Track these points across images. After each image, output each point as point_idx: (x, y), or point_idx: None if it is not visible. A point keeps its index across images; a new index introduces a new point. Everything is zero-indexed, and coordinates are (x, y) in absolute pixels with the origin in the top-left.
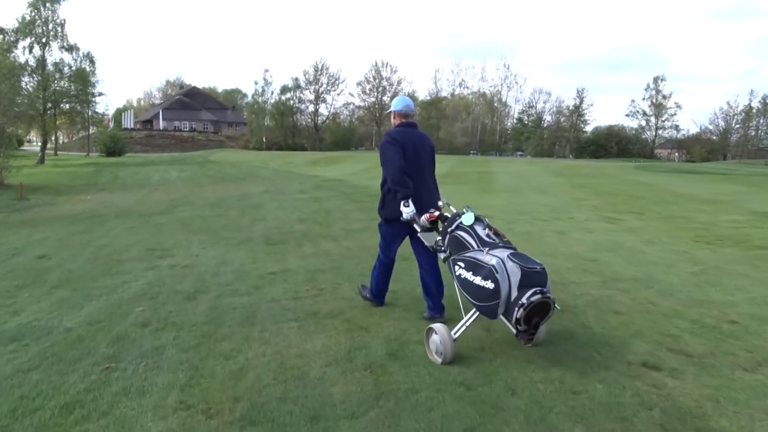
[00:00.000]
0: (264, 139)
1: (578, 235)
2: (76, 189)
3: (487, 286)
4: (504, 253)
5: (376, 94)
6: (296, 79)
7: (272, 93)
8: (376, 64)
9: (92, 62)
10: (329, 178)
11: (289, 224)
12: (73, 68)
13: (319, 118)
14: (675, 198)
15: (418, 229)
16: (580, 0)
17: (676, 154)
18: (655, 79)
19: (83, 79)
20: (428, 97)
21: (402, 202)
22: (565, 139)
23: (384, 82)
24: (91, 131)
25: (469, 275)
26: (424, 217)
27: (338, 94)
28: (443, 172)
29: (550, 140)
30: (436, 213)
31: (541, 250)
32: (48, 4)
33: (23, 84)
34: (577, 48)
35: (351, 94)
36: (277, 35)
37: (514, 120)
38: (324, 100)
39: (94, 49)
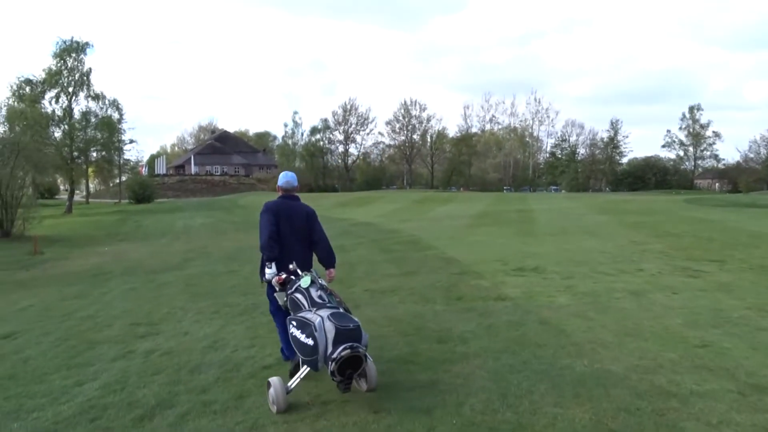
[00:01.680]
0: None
1: (660, 297)
2: (96, 240)
3: (308, 343)
4: (325, 313)
5: (405, 132)
6: (325, 120)
7: (302, 134)
8: (405, 102)
9: (118, 110)
10: (358, 221)
11: None
12: (100, 117)
13: (349, 158)
14: (752, 239)
15: (277, 288)
16: (609, 32)
17: (717, 184)
18: (691, 109)
19: (110, 127)
20: (458, 134)
21: (266, 264)
22: (600, 171)
23: (413, 120)
24: (123, 178)
25: (297, 333)
26: (274, 280)
27: (368, 134)
28: (478, 212)
29: (584, 173)
30: (283, 276)
31: (621, 326)
32: (74, 54)
33: (50, 133)
34: (608, 80)
35: (380, 134)
36: (307, 77)
37: (547, 154)
38: (354, 140)
39: (126, 97)
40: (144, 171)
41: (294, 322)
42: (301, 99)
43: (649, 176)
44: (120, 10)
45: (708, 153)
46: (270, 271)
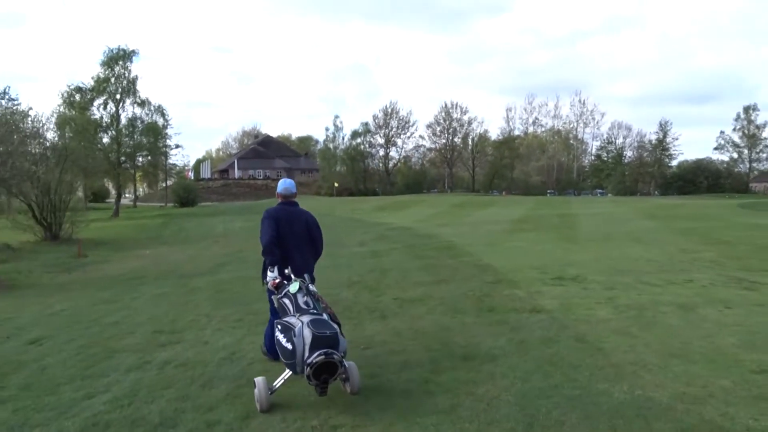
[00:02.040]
0: (336, 184)
1: (711, 312)
2: (139, 243)
3: (288, 347)
4: (306, 319)
5: (446, 135)
6: (366, 123)
7: (343, 138)
8: (446, 105)
9: (163, 116)
10: (395, 226)
11: (335, 290)
12: (145, 122)
13: (389, 161)
14: None
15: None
16: (658, 30)
17: None
18: (746, 109)
19: (155, 133)
20: (501, 137)
21: (269, 268)
22: (648, 175)
23: (454, 123)
24: (170, 182)
25: (280, 336)
26: (270, 284)
27: (408, 137)
28: (518, 216)
29: (632, 176)
30: (278, 280)
31: (667, 345)
32: (121, 62)
33: (99, 139)
34: (657, 80)
35: (421, 137)
36: (349, 81)
37: (592, 157)
38: (394, 144)
39: (174, 103)
40: (190, 175)
41: (279, 326)
42: (343, 103)
43: (700, 179)
44: (169, 20)
45: (764, 155)
46: (271, 275)
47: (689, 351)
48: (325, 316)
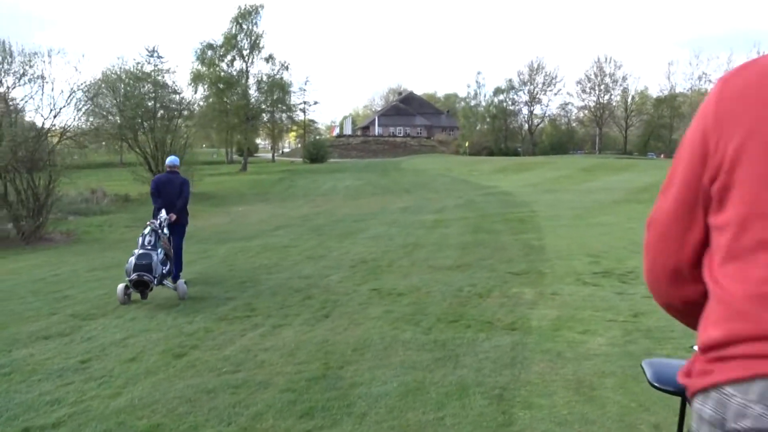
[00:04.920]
0: (466, 144)
1: None
2: (243, 199)
3: (126, 267)
4: (137, 252)
5: (597, 92)
6: (510, 80)
7: (485, 96)
8: (598, 60)
9: (287, 70)
10: (496, 191)
11: (330, 271)
12: (272, 78)
13: (533, 120)
14: None
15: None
16: None
17: None
18: None
19: (281, 89)
20: (660, 94)
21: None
22: None
23: (607, 79)
24: (310, 138)
25: (131, 259)
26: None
27: (555, 95)
28: (645, 184)
29: None
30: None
31: None
32: (249, 17)
33: (229, 95)
34: None
35: (569, 94)
36: (493, 35)
37: None
38: (539, 101)
39: (328, 60)
40: (336, 132)
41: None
42: (488, 59)
43: None
44: None
45: None
46: (159, 217)
47: None
48: (156, 252)
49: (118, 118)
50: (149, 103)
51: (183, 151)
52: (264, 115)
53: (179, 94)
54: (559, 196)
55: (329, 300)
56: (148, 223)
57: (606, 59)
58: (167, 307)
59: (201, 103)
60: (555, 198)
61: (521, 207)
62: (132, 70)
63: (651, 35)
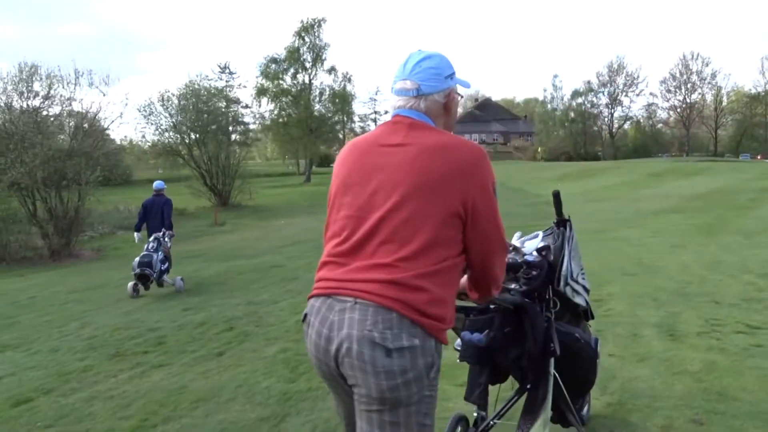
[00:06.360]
0: (538, 150)
1: None
2: (292, 211)
3: (132, 264)
4: (141, 253)
5: (683, 91)
6: (588, 82)
7: (562, 99)
8: (684, 57)
9: (350, 82)
10: (542, 200)
11: (297, 295)
12: (334, 89)
13: (614, 123)
14: None
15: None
16: None
17: None
18: None
19: (344, 100)
20: (753, 90)
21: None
22: None
23: (694, 77)
24: None
25: (136, 258)
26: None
27: (637, 96)
28: (708, 190)
29: None
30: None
31: None
32: (311, 30)
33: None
34: None
35: (652, 94)
36: (572, 36)
37: None
38: (620, 103)
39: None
40: None
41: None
42: (566, 61)
43: None
44: None
45: None
46: (137, 235)
47: None
48: (156, 254)
49: (191, 134)
50: (220, 119)
51: (237, 166)
52: (328, 125)
53: (249, 107)
54: (602, 205)
55: (247, 334)
56: (154, 235)
57: (692, 56)
58: (86, 339)
59: (266, 116)
60: (596, 207)
61: (550, 219)
62: (207, 86)
63: (741, 29)
